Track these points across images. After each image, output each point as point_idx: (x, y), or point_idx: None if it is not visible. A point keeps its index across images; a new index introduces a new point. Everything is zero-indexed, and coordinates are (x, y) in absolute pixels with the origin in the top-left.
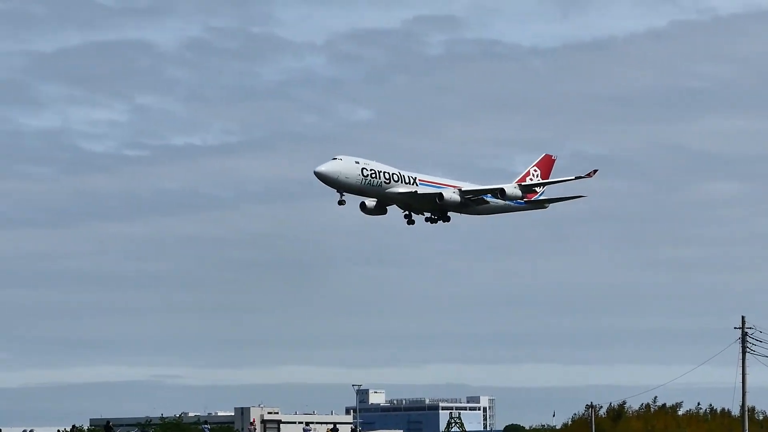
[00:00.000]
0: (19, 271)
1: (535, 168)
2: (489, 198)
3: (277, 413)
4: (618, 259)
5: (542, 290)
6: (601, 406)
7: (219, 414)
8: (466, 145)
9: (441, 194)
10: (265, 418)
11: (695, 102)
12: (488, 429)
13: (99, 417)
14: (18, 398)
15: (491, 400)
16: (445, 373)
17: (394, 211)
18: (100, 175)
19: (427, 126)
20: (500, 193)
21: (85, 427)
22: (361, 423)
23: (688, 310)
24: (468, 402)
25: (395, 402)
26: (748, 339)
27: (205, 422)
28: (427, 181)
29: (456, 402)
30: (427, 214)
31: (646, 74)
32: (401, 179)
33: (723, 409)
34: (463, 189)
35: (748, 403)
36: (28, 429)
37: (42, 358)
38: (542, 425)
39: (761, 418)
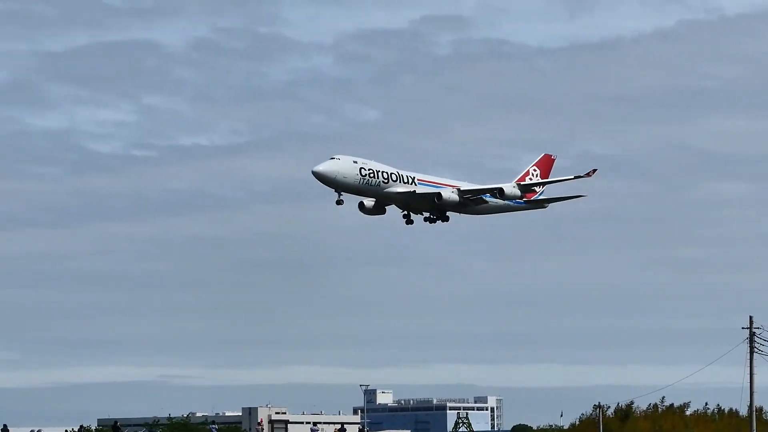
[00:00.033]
0: (26, 272)
1: (535, 168)
2: (488, 198)
3: (285, 413)
4: (624, 259)
5: (549, 290)
6: (609, 407)
7: (226, 414)
8: (473, 145)
9: (439, 194)
10: (272, 418)
11: (702, 102)
12: (496, 429)
13: (107, 417)
14: (25, 398)
15: (499, 400)
16: (453, 373)
17: (393, 211)
18: (107, 176)
19: (435, 126)
20: (499, 192)
21: (93, 428)
22: (368, 423)
23: (696, 310)
24: (475, 402)
25: (403, 402)
26: (756, 339)
27: (213, 422)
28: (425, 180)
29: (463, 402)
30: (426, 214)
31: (653, 74)
32: (400, 179)
33: (731, 409)
34: (461, 189)
35: (756, 404)
36: (36, 429)
37: (49, 359)
38: (550, 425)
39: None
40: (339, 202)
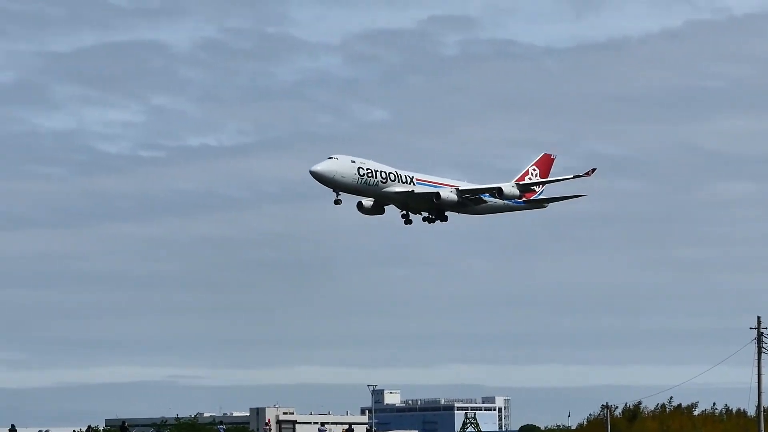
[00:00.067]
0: (33, 272)
1: (534, 167)
2: (487, 197)
3: (293, 413)
4: (632, 259)
5: (557, 291)
6: (617, 407)
7: (234, 414)
8: (480, 145)
9: (438, 193)
10: (280, 418)
11: (708, 102)
12: (503, 429)
13: (114, 417)
14: (33, 399)
15: (506, 401)
16: (461, 374)
17: (394, 211)
18: (115, 176)
19: (442, 126)
20: (498, 192)
21: (101, 428)
22: (376, 423)
23: (703, 310)
24: (483, 402)
25: (410, 402)
26: (764, 339)
27: (221, 423)
28: (424, 180)
29: (471, 402)
30: (425, 214)
31: (660, 74)
32: (398, 178)
33: (739, 409)
34: (460, 188)
35: (764, 404)
36: (44, 429)
37: (57, 359)
38: (557, 425)
39: None
40: (337, 202)
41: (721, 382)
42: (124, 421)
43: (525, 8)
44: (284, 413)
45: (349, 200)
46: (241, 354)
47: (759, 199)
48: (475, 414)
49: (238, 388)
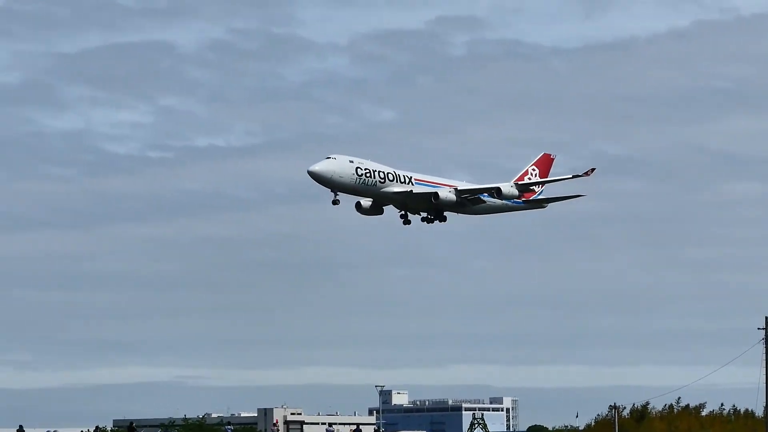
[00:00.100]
0: (41, 273)
1: (534, 167)
2: (486, 197)
3: (300, 414)
4: (640, 259)
5: (566, 291)
6: (625, 407)
7: (242, 415)
8: (488, 146)
9: (436, 193)
10: (288, 419)
11: (716, 102)
12: (511, 430)
13: (122, 418)
14: (41, 399)
15: (514, 401)
16: (469, 374)
17: (393, 212)
18: (123, 177)
19: (450, 126)
20: (496, 192)
21: (108, 428)
22: (383, 424)
23: (712, 310)
24: (491, 403)
25: (418, 403)
26: None
27: (228, 423)
28: (423, 180)
29: (479, 403)
30: (424, 214)
31: (668, 74)
32: (396, 178)
33: (747, 409)
34: (459, 188)
35: None
36: (52, 430)
37: (65, 360)
38: (565, 426)
39: None
40: (335, 202)
41: (729, 382)
42: (131, 422)
43: (532, 8)
44: (292, 414)
45: (349, 201)
46: (249, 354)
47: (766, 199)
48: (482, 414)
49: (245, 388)
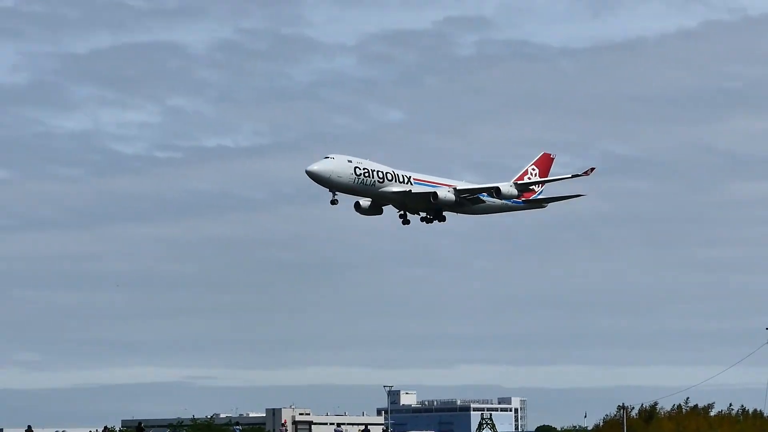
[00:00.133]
0: (49, 273)
1: (534, 167)
2: (485, 197)
3: (309, 414)
4: (649, 260)
5: (573, 291)
6: (633, 407)
7: (250, 415)
8: (496, 146)
9: (435, 193)
10: (296, 419)
11: (725, 102)
12: (520, 430)
13: (131, 418)
14: (50, 399)
15: (523, 401)
16: (477, 374)
17: (392, 212)
18: (131, 177)
19: (458, 127)
20: (495, 192)
21: (117, 429)
22: (392, 424)
23: (720, 311)
24: (499, 403)
25: (426, 403)
26: None
27: (237, 423)
28: (422, 180)
29: (487, 403)
30: (423, 214)
31: (676, 74)
32: (395, 178)
33: (755, 410)
34: (458, 188)
35: None
36: (60, 430)
37: (74, 360)
38: (574, 426)
39: None
40: (334, 202)
41: (738, 382)
42: (140, 422)
43: (540, 9)
44: (300, 414)
45: (351, 201)
46: (257, 355)
47: None
48: (491, 415)
49: (254, 388)
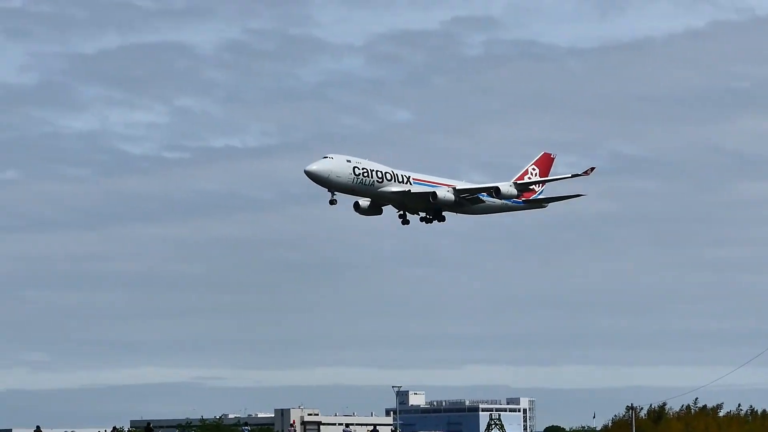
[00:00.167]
0: (57, 273)
1: (534, 166)
2: (485, 197)
3: (317, 415)
4: (657, 260)
5: (582, 292)
6: (642, 408)
7: (259, 416)
8: (504, 146)
9: (434, 193)
10: (305, 419)
11: (733, 102)
12: (528, 430)
13: (139, 419)
14: (58, 400)
15: (531, 402)
16: (486, 375)
17: (390, 212)
18: (139, 177)
19: (466, 127)
20: (495, 191)
21: (126, 429)
22: (401, 424)
23: (728, 311)
24: (508, 403)
25: (435, 403)
26: None
27: (245, 424)
28: (421, 180)
29: (496, 403)
30: (422, 214)
31: (684, 74)
32: (394, 178)
33: (764, 410)
34: (457, 188)
35: None
36: (69, 430)
37: (82, 360)
38: (582, 427)
39: None
40: (332, 202)
41: (747, 383)
42: (149, 423)
43: (548, 9)
44: (309, 414)
45: (348, 201)
46: (266, 355)
47: None
48: (500, 415)
49: (262, 389)
